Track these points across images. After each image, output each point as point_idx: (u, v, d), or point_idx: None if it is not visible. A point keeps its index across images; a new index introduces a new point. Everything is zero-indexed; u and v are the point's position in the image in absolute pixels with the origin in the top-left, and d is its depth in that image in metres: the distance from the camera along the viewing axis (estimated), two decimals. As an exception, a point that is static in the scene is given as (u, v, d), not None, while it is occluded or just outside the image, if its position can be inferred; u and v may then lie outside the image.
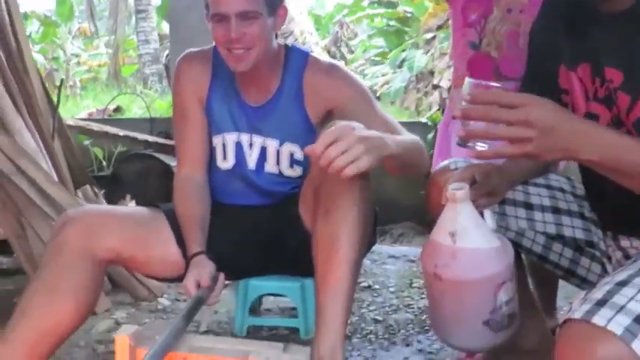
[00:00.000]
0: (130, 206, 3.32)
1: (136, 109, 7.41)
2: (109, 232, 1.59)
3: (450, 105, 2.59)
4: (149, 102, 6.18)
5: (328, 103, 1.70)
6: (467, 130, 1.08)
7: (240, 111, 1.76)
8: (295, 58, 1.75)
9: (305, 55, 1.77)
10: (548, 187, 1.55)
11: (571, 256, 1.48)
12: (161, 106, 6.83)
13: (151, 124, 4.98)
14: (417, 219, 4.93)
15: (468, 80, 1.22)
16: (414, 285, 2.88)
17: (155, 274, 1.79)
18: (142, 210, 1.79)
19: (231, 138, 1.77)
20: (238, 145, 1.77)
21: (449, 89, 5.66)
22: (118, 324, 2.28)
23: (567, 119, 0.99)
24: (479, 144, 1.13)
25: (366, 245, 1.49)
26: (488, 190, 1.34)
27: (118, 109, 6.87)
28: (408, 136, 1.64)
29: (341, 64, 2.22)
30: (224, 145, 1.78)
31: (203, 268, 1.58)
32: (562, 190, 1.54)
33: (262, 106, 1.75)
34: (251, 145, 1.76)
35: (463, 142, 1.15)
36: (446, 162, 1.57)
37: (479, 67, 2.23)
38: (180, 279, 1.76)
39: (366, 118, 1.45)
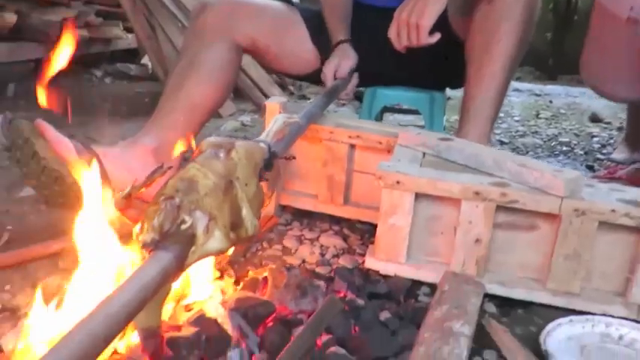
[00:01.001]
0: None
1: None
2: (247, 18, 1.57)
3: None
4: None
5: None
6: None
7: None
8: None
9: None
10: None
11: None
12: None
13: None
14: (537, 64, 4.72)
15: None
16: (540, 116, 2.75)
17: (288, 70, 1.78)
18: (278, 4, 1.74)
19: None
20: None
21: None
22: (244, 125, 2.36)
23: None
24: None
25: (522, 51, 1.38)
26: None
27: None
28: None
29: None
30: None
31: (344, 59, 1.55)
32: None
33: None
34: None
35: None
36: None
37: None
38: (311, 77, 1.75)
39: None
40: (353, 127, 1.26)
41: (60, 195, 1.11)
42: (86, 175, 0.88)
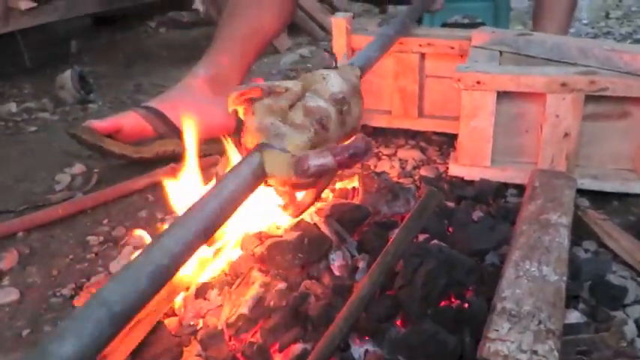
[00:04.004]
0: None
1: None
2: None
3: None
4: None
5: None
6: None
7: None
8: None
9: None
10: None
11: None
12: None
13: None
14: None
15: None
16: (611, 16, 2.59)
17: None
18: None
19: None
20: None
21: None
22: (302, 57, 2.34)
23: None
24: None
25: None
26: None
27: None
28: None
29: None
30: None
31: None
32: None
33: None
34: None
35: None
36: None
37: None
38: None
39: None
40: (422, 35, 1.22)
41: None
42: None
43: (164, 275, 0.48)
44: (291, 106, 0.69)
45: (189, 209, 0.55)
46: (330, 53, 0.84)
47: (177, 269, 0.50)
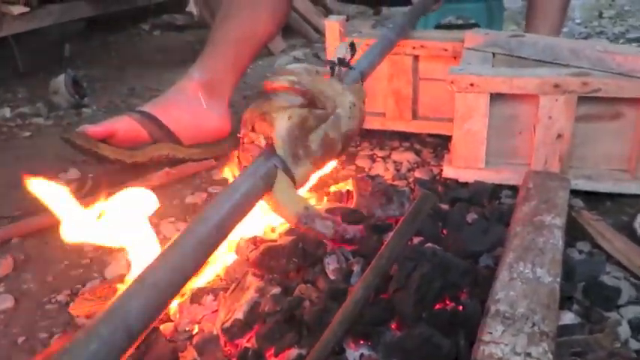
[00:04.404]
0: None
1: None
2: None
3: None
4: None
5: None
6: None
7: None
8: None
9: None
10: None
11: None
12: None
13: None
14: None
15: None
16: (604, 15, 2.60)
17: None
18: None
19: None
20: None
21: None
22: (296, 59, 2.34)
23: None
24: None
25: None
26: None
27: None
28: None
29: None
30: None
31: None
32: None
33: None
34: None
35: None
36: None
37: None
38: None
39: None
40: (415, 37, 1.23)
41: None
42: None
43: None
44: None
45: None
46: (345, 63, 0.83)
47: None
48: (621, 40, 2.18)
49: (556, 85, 0.95)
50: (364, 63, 0.91)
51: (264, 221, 0.82)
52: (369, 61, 0.93)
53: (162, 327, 0.71)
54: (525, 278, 0.68)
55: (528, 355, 0.56)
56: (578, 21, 2.56)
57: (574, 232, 0.89)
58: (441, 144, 1.28)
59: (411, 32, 1.23)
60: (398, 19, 1.20)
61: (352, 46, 0.83)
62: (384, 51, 1.03)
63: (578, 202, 1.00)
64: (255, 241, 0.77)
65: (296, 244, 0.72)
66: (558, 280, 0.68)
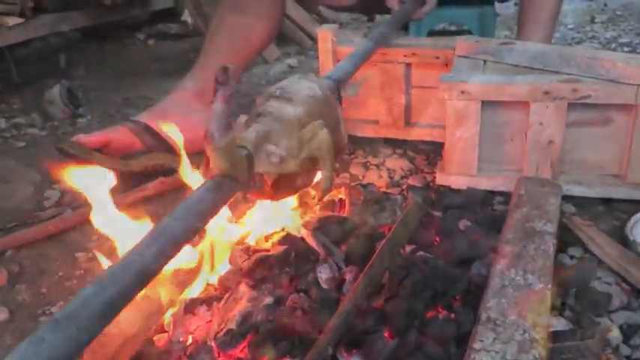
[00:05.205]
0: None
1: None
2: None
3: None
4: None
5: None
6: None
7: None
8: None
9: None
10: None
11: None
12: None
13: None
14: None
15: None
16: (596, 20, 2.61)
17: (331, 1, 1.75)
18: None
19: None
20: None
21: None
22: (291, 67, 2.35)
23: None
24: None
25: None
26: None
27: None
28: None
29: None
30: None
31: None
32: None
33: None
34: None
35: None
36: None
37: None
38: (354, 8, 1.71)
39: None
40: (407, 45, 1.23)
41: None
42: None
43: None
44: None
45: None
46: None
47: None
48: (613, 45, 2.20)
49: (546, 92, 0.96)
50: (339, 72, 0.91)
51: (258, 231, 0.82)
52: (344, 70, 0.93)
53: (156, 338, 0.72)
54: (516, 285, 0.69)
55: (518, 362, 0.57)
56: (570, 26, 2.57)
57: (566, 237, 0.89)
58: (434, 150, 1.29)
59: (394, 40, 1.24)
60: (378, 27, 1.21)
61: None
62: (361, 60, 1.03)
63: (570, 208, 1.01)
64: (247, 251, 0.77)
65: (288, 254, 0.72)
66: (549, 286, 0.69)
